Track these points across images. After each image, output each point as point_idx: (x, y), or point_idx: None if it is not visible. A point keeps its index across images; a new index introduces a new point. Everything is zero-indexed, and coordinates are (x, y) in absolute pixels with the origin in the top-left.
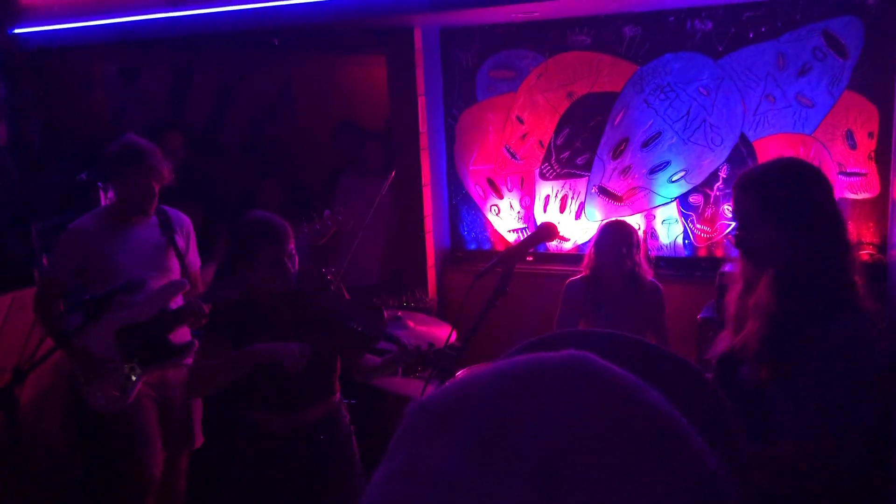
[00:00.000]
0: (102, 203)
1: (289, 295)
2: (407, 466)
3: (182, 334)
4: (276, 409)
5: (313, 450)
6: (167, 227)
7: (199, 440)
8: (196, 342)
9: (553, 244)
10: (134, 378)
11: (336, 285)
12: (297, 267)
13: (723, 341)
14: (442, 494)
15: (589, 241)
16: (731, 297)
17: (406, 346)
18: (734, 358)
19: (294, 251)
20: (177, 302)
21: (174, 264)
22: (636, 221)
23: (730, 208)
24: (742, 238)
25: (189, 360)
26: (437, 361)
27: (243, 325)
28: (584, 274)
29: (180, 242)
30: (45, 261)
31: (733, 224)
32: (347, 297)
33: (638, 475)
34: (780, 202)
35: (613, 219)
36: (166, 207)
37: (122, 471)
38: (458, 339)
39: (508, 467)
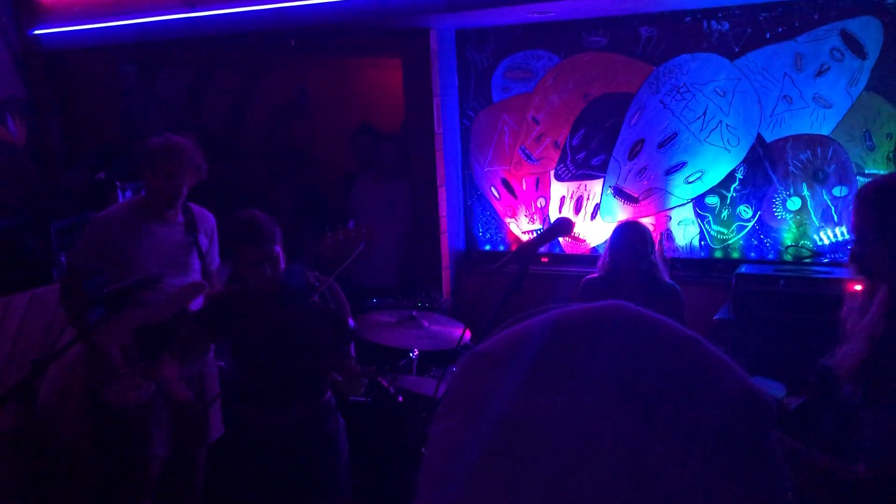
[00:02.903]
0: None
1: (276, 294)
2: (475, 410)
3: None
4: (265, 406)
5: (300, 445)
6: (192, 226)
7: (217, 432)
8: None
9: (568, 245)
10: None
11: (322, 292)
12: (282, 266)
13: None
14: (520, 427)
15: (604, 242)
16: (849, 313)
17: (356, 373)
18: (834, 374)
19: (279, 252)
20: (197, 303)
21: (196, 264)
22: (652, 223)
23: (747, 209)
24: (857, 253)
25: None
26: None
27: (235, 319)
28: (599, 275)
29: (203, 242)
30: (63, 259)
31: (850, 237)
32: (344, 300)
33: (700, 394)
34: None
35: (628, 219)
36: (193, 206)
37: (124, 468)
38: (472, 338)
39: (599, 395)
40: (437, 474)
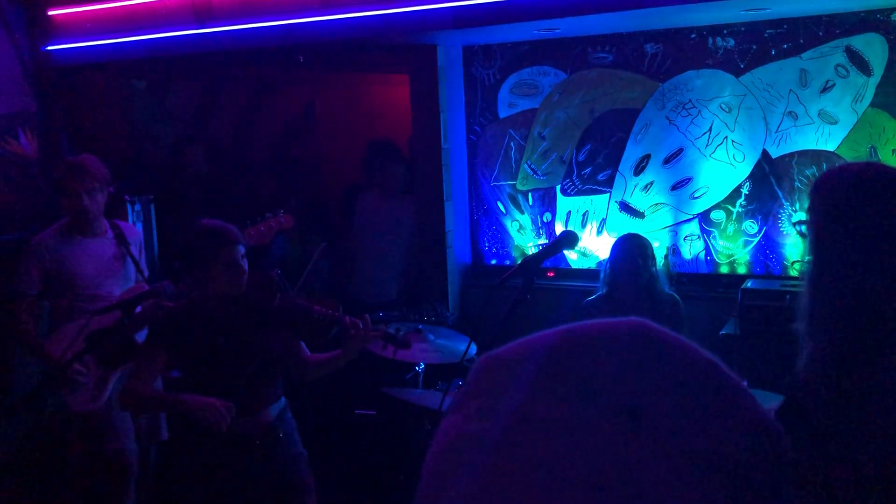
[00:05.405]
0: (129, 217)
1: (235, 299)
2: (485, 406)
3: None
4: (238, 412)
5: (269, 448)
6: (122, 239)
7: (165, 434)
8: None
9: (575, 260)
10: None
11: (284, 287)
12: (247, 269)
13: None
14: (526, 428)
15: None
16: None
17: (363, 321)
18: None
19: (244, 254)
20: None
21: (132, 274)
22: (658, 237)
23: (752, 224)
24: (810, 252)
25: None
26: (399, 341)
27: (191, 334)
28: (600, 293)
29: (136, 254)
30: None
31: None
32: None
33: (707, 417)
34: (845, 211)
35: (628, 232)
36: (118, 222)
37: (104, 464)
38: (477, 352)
39: (594, 405)
40: (441, 464)
